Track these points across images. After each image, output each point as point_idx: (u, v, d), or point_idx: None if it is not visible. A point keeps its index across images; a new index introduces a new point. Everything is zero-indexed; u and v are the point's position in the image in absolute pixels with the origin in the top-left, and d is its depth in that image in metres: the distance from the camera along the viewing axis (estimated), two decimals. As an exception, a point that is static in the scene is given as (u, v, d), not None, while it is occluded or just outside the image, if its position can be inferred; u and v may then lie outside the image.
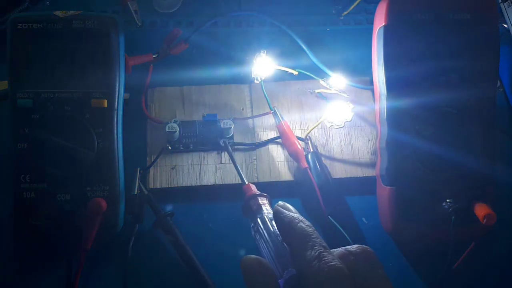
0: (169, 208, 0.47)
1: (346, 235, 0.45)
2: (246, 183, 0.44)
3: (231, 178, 0.48)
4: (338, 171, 0.49)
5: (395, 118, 0.45)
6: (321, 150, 0.50)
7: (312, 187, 0.46)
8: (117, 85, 0.44)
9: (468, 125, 0.44)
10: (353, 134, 0.51)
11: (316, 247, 0.27)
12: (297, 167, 0.49)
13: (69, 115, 0.43)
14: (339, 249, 0.28)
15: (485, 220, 0.42)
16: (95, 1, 0.58)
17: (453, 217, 0.43)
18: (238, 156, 0.49)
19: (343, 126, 0.52)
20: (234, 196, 0.48)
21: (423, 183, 0.44)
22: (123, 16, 0.55)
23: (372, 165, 0.49)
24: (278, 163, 0.49)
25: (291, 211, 0.31)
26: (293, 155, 0.48)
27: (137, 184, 0.45)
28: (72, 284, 0.41)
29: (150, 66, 0.52)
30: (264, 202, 0.40)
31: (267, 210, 0.39)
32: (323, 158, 0.49)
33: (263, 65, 0.50)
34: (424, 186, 0.44)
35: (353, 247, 0.28)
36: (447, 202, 0.44)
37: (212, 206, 0.48)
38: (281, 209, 0.31)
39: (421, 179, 0.44)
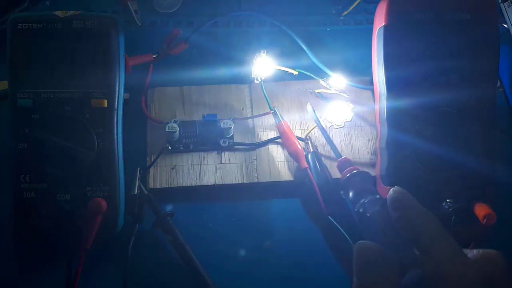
0: (169, 208, 0.47)
1: (346, 235, 0.45)
2: (342, 156, 0.39)
3: (231, 178, 0.48)
4: (338, 171, 0.49)
5: (395, 118, 0.45)
6: (321, 150, 0.50)
7: (312, 187, 0.46)
8: (117, 85, 0.44)
9: (468, 125, 0.44)
10: (353, 134, 0.51)
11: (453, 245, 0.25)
12: (297, 167, 0.49)
13: (69, 115, 0.43)
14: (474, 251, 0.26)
15: (485, 220, 0.42)
16: (95, 1, 0.58)
17: (453, 217, 0.43)
18: (238, 156, 0.49)
19: (343, 126, 0.52)
20: (234, 196, 0.49)
21: (423, 183, 0.44)
22: (123, 16, 0.55)
23: (372, 165, 0.49)
24: (278, 163, 0.49)
25: (413, 201, 0.28)
26: (293, 155, 0.48)
27: (137, 184, 0.45)
28: (72, 284, 0.41)
29: (150, 66, 0.52)
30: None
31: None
32: (323, 158, 0.49)
33: (263, 65, 0.50)
34: (424, 186, 0.44)
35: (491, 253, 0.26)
36: (447, 202, 0.44)
37: (212, 206, 0.48)
38: (403, 195, 0.28)
39: (421, 179, 0.44)
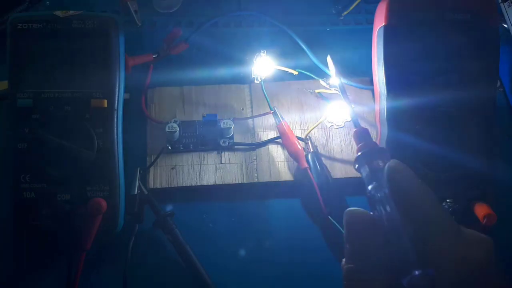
0: (169, 208, 0.47)
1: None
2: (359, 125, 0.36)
3: (231, 178, 0.48)
4: (338, 171, 0.49)
5: (395, 118, 0.45)
6: (321, 150, 0.50)
7: (312, 187, 0.46)
8: (117, 85, 0.44)
9: (468, 125, 0.44)
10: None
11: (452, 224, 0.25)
12: (297, 167, 0.49)
13: (69, 115, 0.43)
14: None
15: (485, 220, 0.42)
16: (95, 1, 0.58)
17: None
18: (238, 156, 0.49)
19: (343, 126, 0.52)
20: (234, 196, 0.49)
21: (423, 183, 0.44)
22: (123, 16, 0.55)
23: (372, 165, 0.49)
24: (278, 163, 0.49)
25: (409, 171, 0.27)
26: (293, 155, 0.48)
27: (137, 184, 0.45)
28: (72, 284, 0.41)
29: (150, 66, 0.52)
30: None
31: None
32: (323, 158, 0.49)
33: (263, 65, 0.50)
34: (424, 186, 0.44)
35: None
36: (447, 202, 0.44)
37: (212, 206, 0.48)
38: (399, 167, 0.27)
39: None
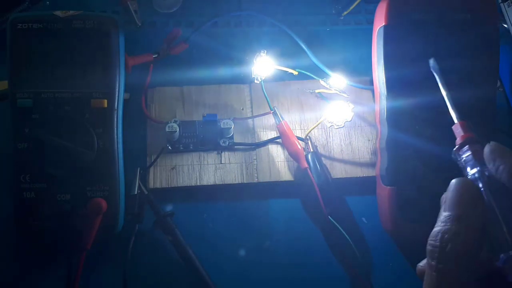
0: (169, 208, 0.47)
1: (346, 235, 0.45)
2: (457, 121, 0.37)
3: (231, 178, 0.48)
4: (338, 171, 0.49)
5: (395, 118, 0.45)
6: (321, 150, 0.50)
7: (312, 187, 0.46)
8: (117, 85, 0.44)
9: (468, 125, 0.44)
10: (353, 134, 0.51)
11: None
12: (297, 167, 0.49)
13: (69, 115, 0.43)
14: None
15: (485, 220, 0.42)
16: (95, 1, 0.58)
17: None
18: (238, 156, 0.49)
19: (343, 126, 0.52)
20: (234, 196, 0.49)
21: (423, 183, 0.44)
22: (123, 16, 0.55)
23: (372, 165, 0.49)
24: (278, 163, 0.49)
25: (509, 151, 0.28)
26: (293, 155, 0.48)
27: (137, 184, 0.45)
28: (72, 284, 0.41)
29: (150, 66, 0.52)
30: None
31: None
32: (323, 158, 0.49)
33: (263, 65, 0.50)
34: (424, 186, 0.44)
35: None
36: (447, 202, 0.44)
37: (212, 206, 0.48)
38: (499, 147, 0.28)
39: (421, 179, 0.44)
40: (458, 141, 0.34)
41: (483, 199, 0.27)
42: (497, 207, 0.26)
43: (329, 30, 0.58)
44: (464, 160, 0.32)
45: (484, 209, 0.27)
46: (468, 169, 0.31)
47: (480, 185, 0.29)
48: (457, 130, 0.36)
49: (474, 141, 0.33)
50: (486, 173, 0.29)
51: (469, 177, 0.30)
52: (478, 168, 0.30)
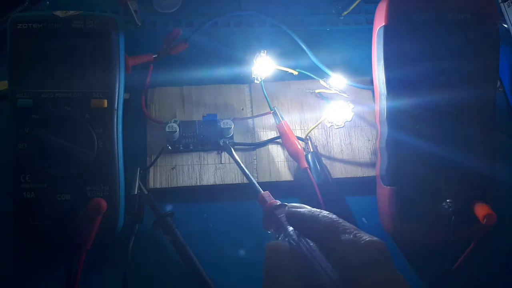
0: (169, 208, 0.47)
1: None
2: (262, 191, 0.40)
3: (231, 178, 0.48)
4: (338, 171, 0.49)
5: (395, 118, 0.45)
6: (321, 150, 0.50)
7: (312, 187, 0.46)
8: (117, 85, 0.44)
9: (468, 125, 0.44)
10: (353, 134, 0.51)
11: (348, 230, 0.27)
12: (297, 167, 0.49)
13: (69, 115, 0.43)
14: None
15: (485, 220, 0.42)
16: (95, 1, 0.58)
17: (453, 217, 0.43)
18: (238, 156, 0.49)
19: (343, 126, 0.52)
20: (234, 196, 0.49)
21: (423, 183, 0.44)
22: (123, 16, 0.55)
23: (372, 165, 0.49)
24: (278, 163, 0.49)
25: (306, 207, 0.31)
26: (293, 155, 0.48)
27: (137, 184, 0.45)
28: (72, 284, 0.41)
29: (150, 66, 0.52)
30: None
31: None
32: (323, 158, 0.49)
33: (263, 65, 0.50)
34: (424, 186, 0.44)
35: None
36: (447, 202, 0.44)
37: (212, 206, 0.48)
38: (296, 209, 0.31)
39: (421, 179, 0.44)
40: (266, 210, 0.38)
41: (294, 252, 0.29)
42: (309, 253, 0.29)
43: (329, 30, 0.58)
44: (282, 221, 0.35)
45: (294, 260, 0.28)
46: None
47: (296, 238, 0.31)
48: (262, 200, 0.39)
49: (280, 206, 0.37)
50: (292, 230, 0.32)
51: (289, 233, 0.32)
52: (288, 227, 0.33)
